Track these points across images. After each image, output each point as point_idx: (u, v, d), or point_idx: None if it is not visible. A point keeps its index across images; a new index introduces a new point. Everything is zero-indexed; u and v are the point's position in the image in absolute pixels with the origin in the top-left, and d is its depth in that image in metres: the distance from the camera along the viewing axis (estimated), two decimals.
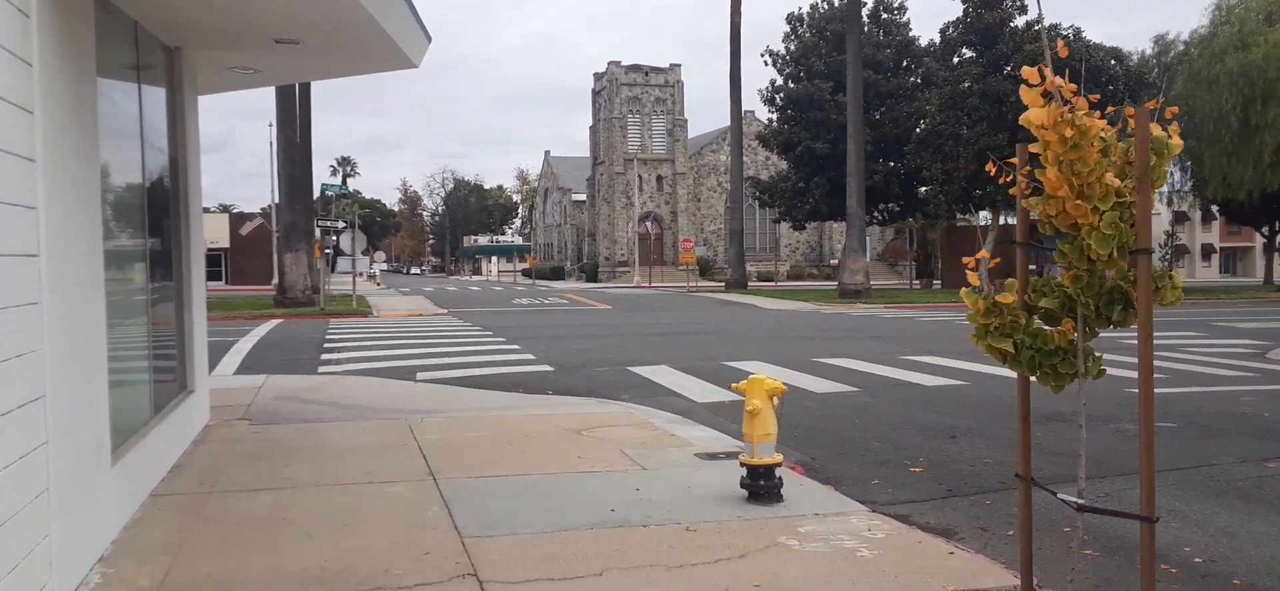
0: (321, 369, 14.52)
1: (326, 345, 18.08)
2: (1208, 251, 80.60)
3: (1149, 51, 45.26)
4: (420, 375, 13.40)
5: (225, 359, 15.74)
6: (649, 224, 68.56)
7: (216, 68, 9.43)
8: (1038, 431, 9.10)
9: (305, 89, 35.53)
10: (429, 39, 9.45)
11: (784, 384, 6.42)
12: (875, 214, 45.13)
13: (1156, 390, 9.97)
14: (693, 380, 12.59)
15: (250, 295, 38.63)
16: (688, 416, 9.90)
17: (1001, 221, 37.83)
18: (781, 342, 18.14)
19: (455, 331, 21.45)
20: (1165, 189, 52.03)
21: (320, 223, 29.78)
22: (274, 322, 24.68)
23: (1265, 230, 53.20)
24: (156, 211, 7.79)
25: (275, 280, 30.55)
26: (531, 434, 8.61)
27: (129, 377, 6.76)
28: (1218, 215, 73.78)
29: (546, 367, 14.22)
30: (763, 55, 45.99)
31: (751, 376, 6.29)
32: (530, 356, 15.71)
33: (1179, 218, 68.93)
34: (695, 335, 20.20)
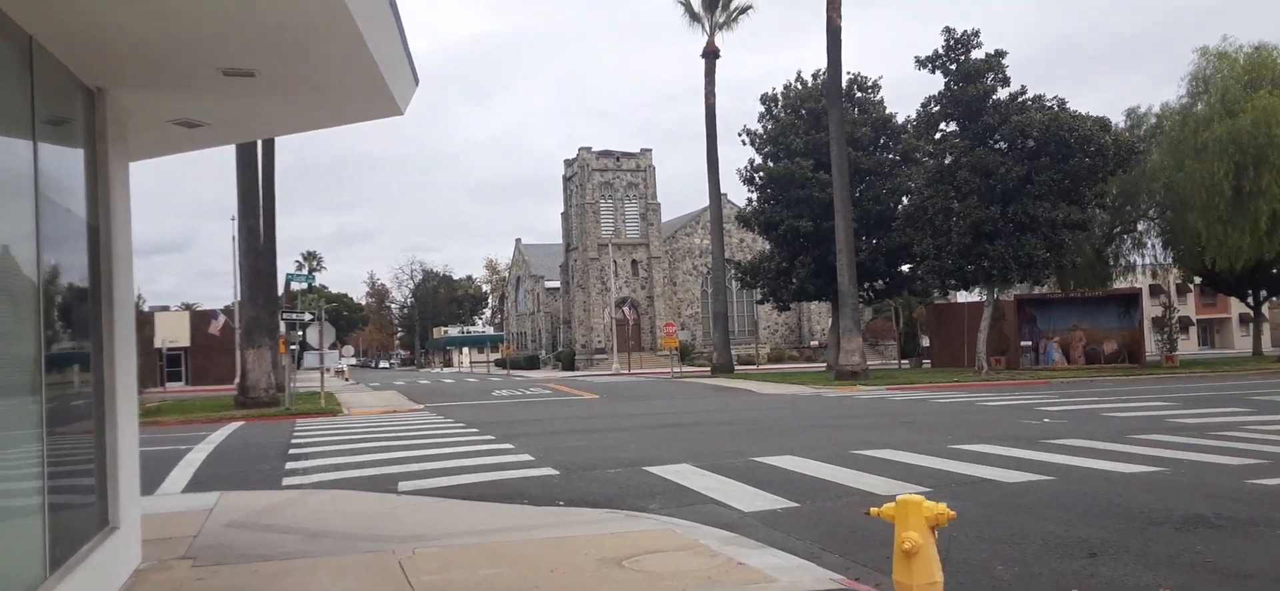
0: (286, 481, 12.46)
1: (292, 450, 15.98)
2: (1185, 324, 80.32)
3: (1121, 124, 45.00)
4: (403, 485, 11.41)
5: (174, 473, 13.61)
6: (626, 309, 66.92)
7: (153, 121, 7.66)
8: (1186, 539, 7.37)
9: (269, 176, 33.82)
10: (417, 80, 7.78)
11: (945, 507, 4.55)
12: (860, 292, 43.82)
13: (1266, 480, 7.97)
14: (726, 482, 10.73)
15: (210, 396, 36.19)
16: (741, 532, 8.04)
17: (995, 297, 36.60)
18: (805, 433, 16.32)
19: (436, 429, 19.40)
20: (1141, 262, 51.68)
21: (285, 316, 27.71)
22: (234, 425, 22.45)
23: (1250, 300, 52.66)
24: (64, 297, 5.93)
25: (238, 379, 28.29)
26: (559, 568, 6.69)
27: (11, 523, 4.82)
28: (1192, 287, 73.67)
29: (550, 470, 12.27)
30: (740, 134, 45.18)
31: (900, 498, 4.49)
32: (527, 456, 13.75)
33: (1154, 291, 68.65)
34: (705, 426, 18.33)
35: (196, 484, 12.49)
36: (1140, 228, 47.81)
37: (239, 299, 28.59)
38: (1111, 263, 49.47)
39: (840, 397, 26.71)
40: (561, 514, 9.25)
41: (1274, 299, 54.40)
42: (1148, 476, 10.30)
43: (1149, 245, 49.30)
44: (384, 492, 10.98)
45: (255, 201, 29.08)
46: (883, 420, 18.48)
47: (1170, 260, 50.07)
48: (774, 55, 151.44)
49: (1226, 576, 6.26)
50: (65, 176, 6.14)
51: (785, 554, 7.12)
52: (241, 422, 23.20)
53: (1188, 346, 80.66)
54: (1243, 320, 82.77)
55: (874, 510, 4.60)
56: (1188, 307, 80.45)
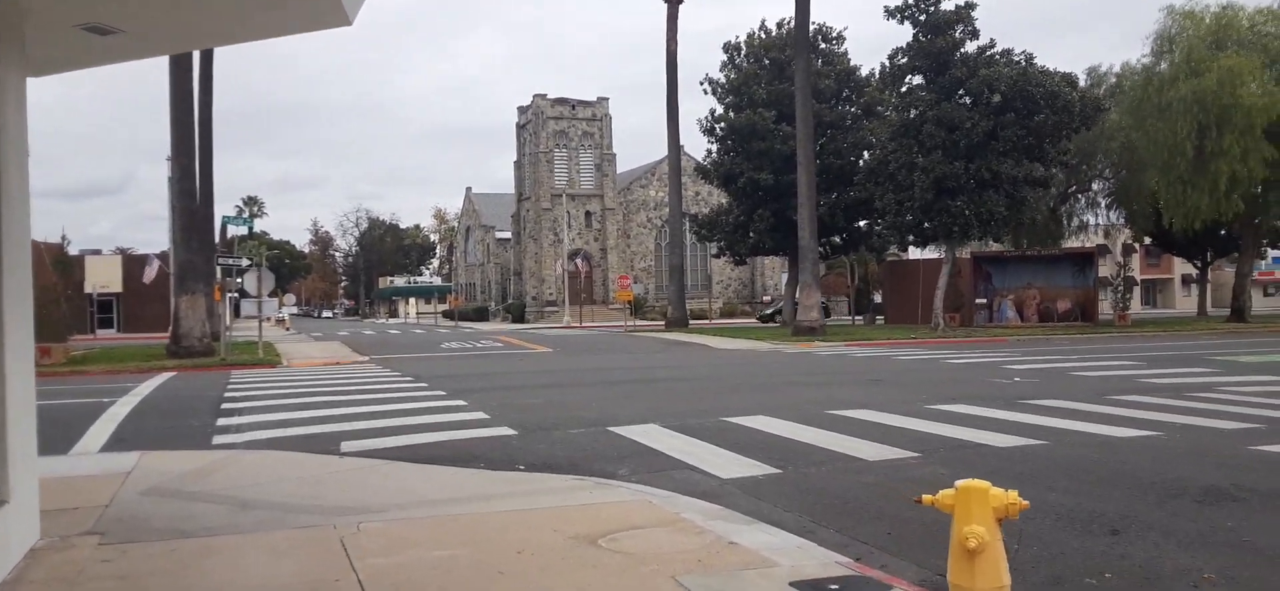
0: (217, 439, 11.42)
1: (226, 405, 14.88)
2: (1129, 284, 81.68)
3: (1083, 83, 44.91)
4: (346, 445, 10.46)
5: (93, 429, 12.46)
6: (578, 261, 65.87)
7: (57, 24, 6.53)
8: (1212, 514, 6.75)
9: (207, 112, 32.06)
10: None
11: (1016, 496, 3.74)
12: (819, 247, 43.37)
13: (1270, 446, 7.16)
14: (699, 444, 9.97)
15: (141, 344, 34.54)
16: (724, 503, 7.29)
17: (954, 254, 36.34)
18: (773, 391, 15.65)
19: (382, 383, 18.39)
20: (1094, 221, 52.05)
21: (221, 262, 26.24)
22: (164, 377, 21.16)
23: (1197, 262, 53.42)
24: None
25: (170, 328, 26.82)
26: (525, 549, 5.85)
27: None
28: (1138, 248, 74.81)
29: (506, 430, 11.41)
30: (701, 83, 44.04)
31: (961, 484, 3.68)
32: (481, 414, 12.86)
33: (1100, 251, 69.52)
34: (666, 383, 17.57)
35: (117, 442, 11.40)
36: (1094, 187, 48.00)
37: (172, 243, 27.00)
38: (1065, 222, 49.68)
39: (800, 353, 26.18)
40: (522, 480, 8.40)
41: (1220, 260, 55.29)
42: (1144, 441, 9.77)
43: (1102, 205, 49.60)
44: (325, 454, 10.03)
45: (190, 138, 27.43)
46: (849, 378, 17.91)
47: (1122, 220, 50.48)
48: (736, 8, 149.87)
49: (1273, 559, 5.64)
50: None
51: (777, 529, 6.37)
52: (173, 374, 21.90)
53: (1132, 307, 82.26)
54: (1185, 280, 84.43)
55: (927, 498, 3.81)
56: (1133, 268, 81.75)
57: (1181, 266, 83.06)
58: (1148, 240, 54.96)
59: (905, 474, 8.33)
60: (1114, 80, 44.04)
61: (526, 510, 7.00)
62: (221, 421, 12.91)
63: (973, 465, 8.65)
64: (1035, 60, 33.74)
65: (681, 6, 45.61)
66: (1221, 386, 14.98)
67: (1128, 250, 74.73)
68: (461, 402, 14.39)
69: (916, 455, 9.14)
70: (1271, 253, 54.73)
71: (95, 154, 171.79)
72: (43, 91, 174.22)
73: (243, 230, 43.17)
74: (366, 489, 8.02)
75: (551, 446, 10.26)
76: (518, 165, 74.95)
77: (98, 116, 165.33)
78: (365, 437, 11.02)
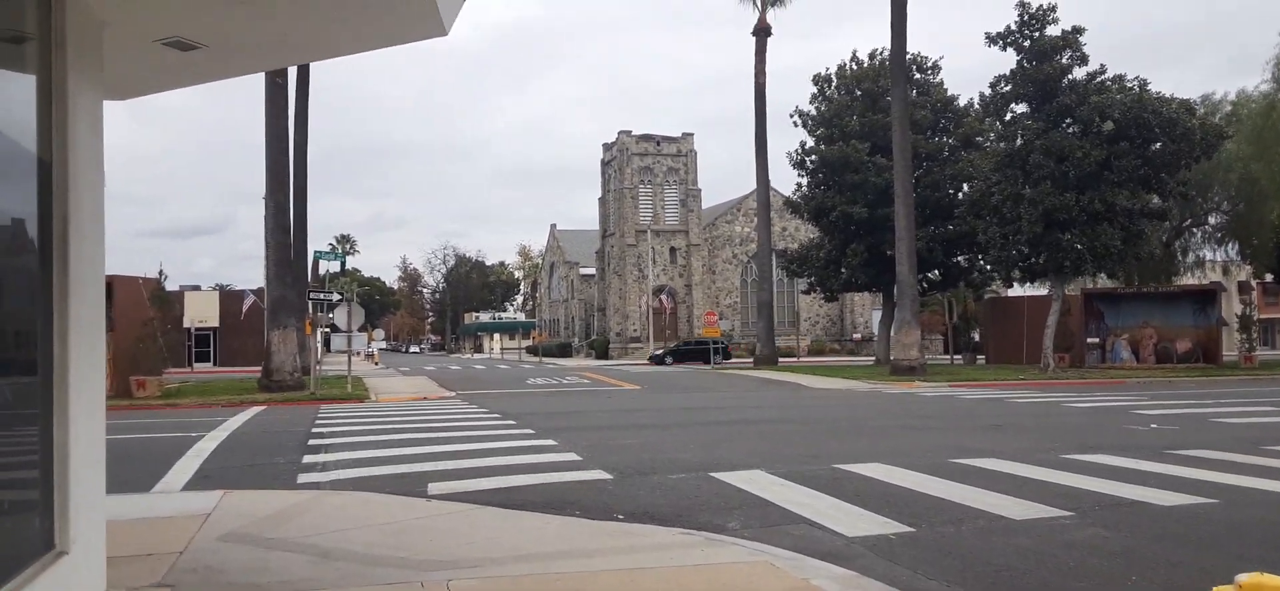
0: (302, 477, 10.95)
1: (312, 440, 14.51)
2: (1243, 323, 76.92)
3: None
4: (433, 487, 9.84)
5: (178, 464, 12.15)
6: (663, 297, 65.22)
7: (135, 39, 6.09)
8: None
9: (301, 149, 32.57)
10: None
11: None
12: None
13: None
14: (814, 495, 9.03)
15: (235, 378, 35.07)
16: (854, 566, 6.38)
17: (1063, 291, 34.41)
18: (883, 435, 14.55)
19: (469, 419, 17.87)
20: (1211, 257, 49.06)
21: (312, 297, 26.34)
22: (254, 410, 21.11)
23: None
24: None
25: (263, 362, 27.02)
26: None
27: None
28: (1255, 284, 70.65)
29: (601, 473, 10.64)
30: (791, 115, 43.13)
31: (1249, 579, 2.73)
32: (573, 455, 12.14)
33: (1218, 288, 65.71)
34: (766, 424, 16.60)
35: (201, 479, 11.01)
36: (1211, 221, 45.24)
37: (266, 278, 27.26)
38: (1179, 257, 46.96)
39: (903, 394, 24.84)
40: (623, 532, 7.62)
41: None
42: None
43: (1218, 239, 46.73)
44: (411, 496, 9.43)
45: (285, 176, 27.77)
46: (965, 422, 16.65)
47: (1239, 255, 47.50)
48: (820, 45, 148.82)
49: None
50: (12, 105, 4.60)
51: None
52: (263, 407, 21.85)
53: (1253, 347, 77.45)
54: None
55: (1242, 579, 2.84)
56: (1251, 306, 76.99)
57: None
58: (1269, 277, 51.64)
59: (1062, 536, 7.25)
60: (1229, 108, 41.52)
61: (634, 568, 6.20)
62: (307, 458, 12.48)
63: (1137, 527, 7.52)
64: (1149, 86, 31.87)
65: (769, 40, 44.92)
66: None
67: (1244, 288, 70.91)
68: (551, 442, 13.71)
69: (1068, 513, 8.02)
70: None
71: (198, 196, 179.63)
72: (148, 141, 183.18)
73: (335, 266, 43.83)
74: (455, 539, 7.33)
75: (651, 493, 9.45)
76: (602, 201, 74.97)
77: (202, 160, 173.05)
78: (452, 478, 10.39)
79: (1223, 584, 3.11)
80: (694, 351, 53.31)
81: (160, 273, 28.62)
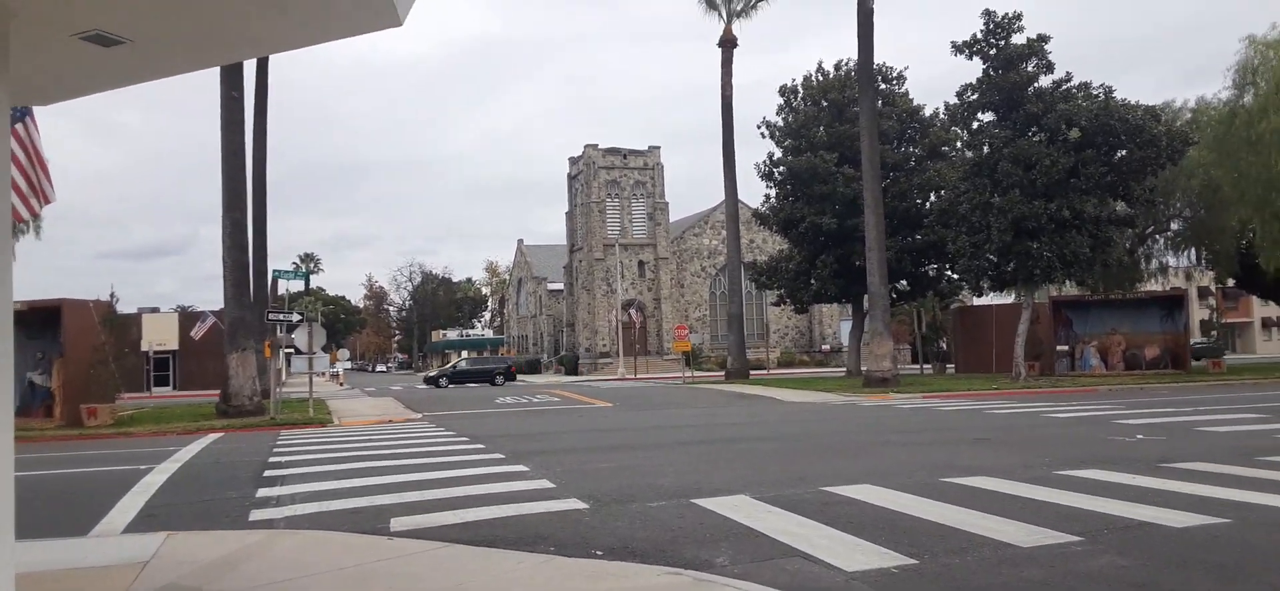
0: (255, 514, 10.21)
1: (269, 471, 13.73)
2: (1207, 328, 78.06)
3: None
4: (397, 522, 9.18)
5: (123, 501, 11.34)
6: (632, 311, 64.64)
7: (52, 33, 5.42)
8: None
9: (260, 164, 31.67)
10: None
11: None
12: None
13: None
14: (804, 523, 8.48)
15: (193, 402, 33.94)
16: None
17: (1032, 299, 34.33)
18: (868, 452, 14.05)
19: (436, 444, 17.16)
20: (1175, 263, 49.48)
21: (272, 317, 25.44)
22: (211, 438, 20.22)
23: None
24: None
25: (222, 386, 26.03)
26: None
27: None
28: (1214, 290, 71.63)
29: (576, 502, 10.02)
30: (759, 126, 42.87)
31: None
32: (546, 483, 11.50)
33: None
34: (745, 443, 16.06)
35: (145, 519, 10.22)
36: (1173, 227, 45.62)
37: (224, 299, 26.30)
38: (1143, 264, 47.31)
39: (879, 407, 24.45)
40: (603, 572, 7.01)
41: None
42: None
43: (1181, 246, 47.14)
44: (373, 533, 8.77)
45: (241, 192, 26.87)
46: (948, 436, 16.23)
47: (1202, 261, 47.96)
48: (784, 57, 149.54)
49: None
50: None
51: None
52: (220, 434, 20.95)
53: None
54: (1265, 324, 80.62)
55: None
56: (1205, 312, 78.13)
57: (1261, 309, 79.36)
58: (1231, 282, 52.23)
59: (1075, 566, 6.75)
60: (1189, 116, 41.89)
61: None
62: (262, 492, 11.73)
63: (1153, 551, 7.05)
64: (1115, 93, 31.94)
65: (735, 51, 44.64)
66: None
67: (1204, 293, 71.55)
68: (522, 467, 13.05)
69: (1078, 539, 7.53)
70: None
71: (159, 216, 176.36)
72: (106, 160, 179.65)
73: (298, 285, 42.75)
74: (420, 585, 6.69)
75: (630, 524, 8.85)
76: (569, 216, 74.35)
77: (163, 180, 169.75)
78: (418, 512, 9.72)
79: None
80: (477, 373, 51.16)
81: (112, 295, 27.55)
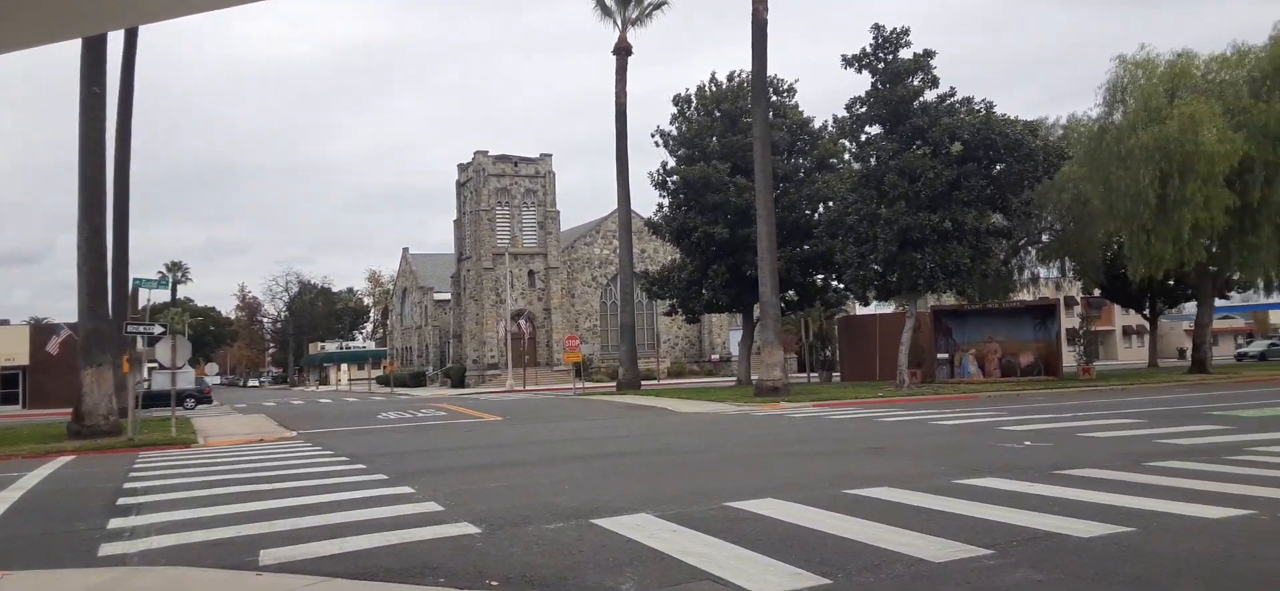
0: (105, 548, 9.16)
1: (124, 499, 12.50)
2: (1072, 336, 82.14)
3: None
4: (266, 555, 8.34)
5: None
6: (522, 322, 63.64)
7: None
8: None
9: (123, 165, 29.69)
10: None
11: None
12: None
13: None
14: (711, 542, 8.07)
15: (45, 421, 31.36)
16: None
17: (916, 308, 35.22)
18: (767, 464, 13.80)
19: (312, 465, 16.10)
20: (1045, 274, 51.83)
21: (130, 329, 23.61)
22: (60, 462, 18.52)
23: (1146, 312, 53.54)
24: None
25: (74, 405, 23.99)
26: None
27: None
28: (1079, 299, 75.43)
29: (467, 527, 9.35)
30: (653, 135, 42.81)
31: None
32: (433, 505, 10.76)
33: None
34: (641, 456, 15.62)
35: None
36: (1044, 239, 47.76)
37: (79, 311, 24.28)
38: (1016, 274, 49.34)
39: (771, 416, 24.46)
40: None
41: (1169, 310, 55.54)
42: (1244, 522, 8.19)
43: (1052, 257, 49.40)
44: (239, 568, 7.94)
45: (101, 195, 24.89)
46: (843, 445, 16.19)
47: (1069, 272, 50.34)
48: (676, 69, 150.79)
49: None
50: None
51: None
52: (71, 458, 19.23)
53: (1070, 358, 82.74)
54: (1125, 332, 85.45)
55: None
56: (1072, 320, 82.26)
57: (1122, 317, 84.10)
58: (1097, 292, 55.07)
59: (989, 580, 6.55)
60: (1061, 132, 43.95)
61: None
62: (115, 522, 10.58)
63: (1066, 564, 6.93)
64: (995, 109, 33.11)
65: (629, 60, 44.45)
66: (1253, 447, 13.60)
67: (1070, 302, 75.47)
68: (407, 489, 12.25)
69: (988, 551, 7.35)
70: (1220, 303, 54.86)
71: (13, 221, 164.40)
72: None
73: (163, 295, 40.26)
74: None
75: (526, 550, 8.24)
76: (458, 224, 72.77)
77: (18, 184, 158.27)
78: (291, 542, 8.87)
79: None
80: (163, 396, 46.74)
81: None
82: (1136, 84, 35.77)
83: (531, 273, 68.20)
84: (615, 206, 47.45)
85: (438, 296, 78.83)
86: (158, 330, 24.48)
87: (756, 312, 40.21)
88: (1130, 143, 32.94)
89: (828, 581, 6.73)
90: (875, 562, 7.19)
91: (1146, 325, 59.17)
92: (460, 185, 71.78)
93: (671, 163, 41.74)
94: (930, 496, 9.99)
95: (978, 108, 32.96)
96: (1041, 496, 9.78)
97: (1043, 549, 7.46)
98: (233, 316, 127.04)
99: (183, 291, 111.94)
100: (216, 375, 68.96)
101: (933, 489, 10.48)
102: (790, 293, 42.86)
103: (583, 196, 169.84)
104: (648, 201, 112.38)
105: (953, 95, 33.47)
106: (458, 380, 67.08)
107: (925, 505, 9.49)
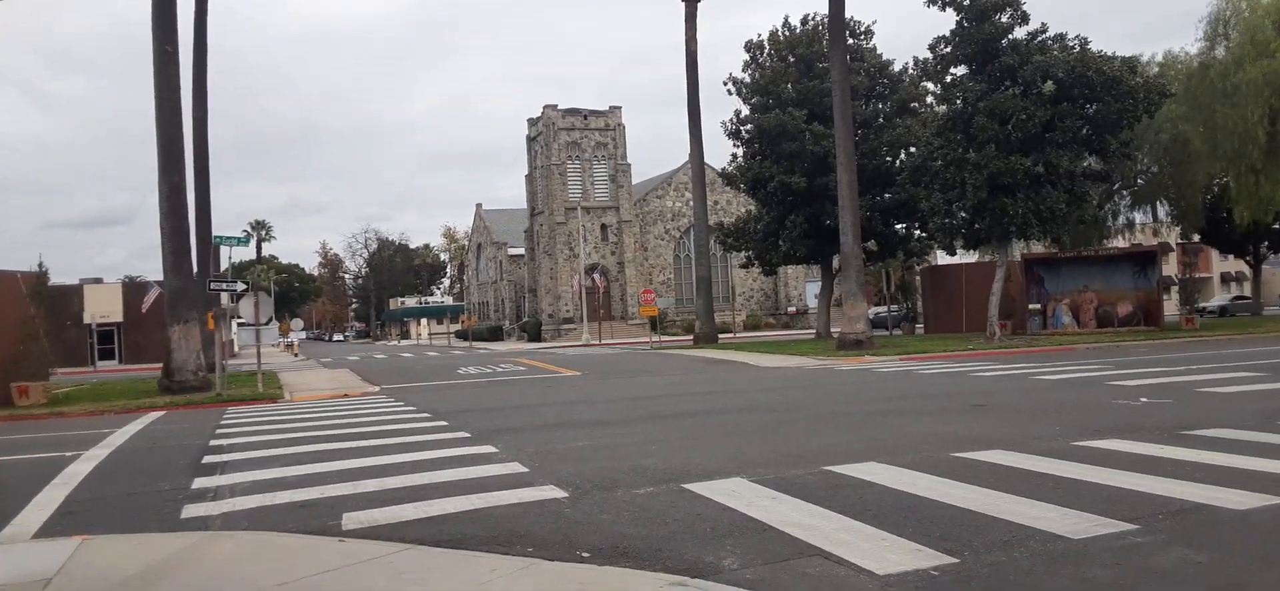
0: (188, 509, 8.99)
1: (209, 456, 12.47)
2: (1168, 284, 78.68)
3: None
4: (350, 518, 8.05)
5: (40, 496, 10.07)
6: (596, 276, 63.49)
7: None
8: None
9: (200, 125, 30.02)
10: None
11: None
12: None
13: None
14: (813, 512, 7.48)
15: (136, 377, 32.27)
16: None
17: (1006, 257, 33.75)
18: (864, 423, 13.10)
19: (395, 421, 15.97)
20: (1141, 219, 49.35)
21: (214, 286, 23.92)
22: (150, 418, 18.82)
23: (1250, 257, 50.76)
24: None
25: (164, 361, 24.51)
26: None
27: None
28: (1176, 246, 72.14)
29: (553, 490, 8.94)
30: (725, 83, 41.68)
31: None
32: (518, 466, 10.40)
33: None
34: (730, 415, 15.06)
35: (62, 518, 8.97)
36: (1140, 183, 45.45)
37: (164, 269, 24.68)
38: (1110, 220, 47.18)
39: (859, 371, 23.65)
40: (594, 580, 5.96)
41: (1273, 255, 52.65)
42: None
43: (1148, 201, 47.05)
44: (323, 533, 7.64)
45: (179, 154, 25.20)
46: (941, 402, 15.39)
47: (1168, 217, 47.95)
48: (751, 15, 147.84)
49: None
50: None
51: None
52: (161, 413, 19.56)
53: (1171, 307, 79.33)
54: (1224, 279, 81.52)
55: None
56: (1171, 267, 78.77)
57: (1220, 264, 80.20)
58: (1196, 237, 52.40)
59: (1140, 562, 5.82)
60: (1156, 69, 41.49)
61: None
62: (199, 482, 10.48)
63: (1224, 542, 6.16)
64: (1090, 44, 31.21)
65: (699, 5, 43.27)
66: None
67: (1165, 248, 72.04)
68: (490, 448, 11.93)
69: (1132, 526, 6.61)
70: None
71: (107, 185, 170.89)
72: (54, 130, 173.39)
73: (246, 252, 41.01)
74: None
75: (617, 516, 7.78)
76: (530, 179, 72.72)
77: (111, 149, 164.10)
78: (374, 505, 8.57)
79: None
80: None
81: (40, 266, 25.79)
82: (1241, 16, 33.45)
83: (604, 226, 67.86)
84: (686, 158, 46.67)
85: (512, 251, 79.20)
86: (240, 287, 24.76)
87: (836, 264, 39.13)
88: (1237, 78, 30.83)
89: (954, 560, 6.08)
90: (1004, 539, 6.51)
91: (1249, 271, 56.18)
92: (530, 140, 71.59)
93: (745, 111, 40.64)
94: (1049, 460, 9.22)
95: (1071, 44, 31.10)
96: (1176, 461, 8.93)
97: (1194, 523, 6.68)
98: (316, 273, 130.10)
99: (267, 249, 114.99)
100: (301, 331, 70.56)
101: (1050, 452, 9.70)
102: (870, 242, 41.61)
103: (652, 148, 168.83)
104: (720, 152, 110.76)
105: (1044, 32, 31.66)
106: (534, 334, 67.41)
107: (1047, 470, 8.73)
